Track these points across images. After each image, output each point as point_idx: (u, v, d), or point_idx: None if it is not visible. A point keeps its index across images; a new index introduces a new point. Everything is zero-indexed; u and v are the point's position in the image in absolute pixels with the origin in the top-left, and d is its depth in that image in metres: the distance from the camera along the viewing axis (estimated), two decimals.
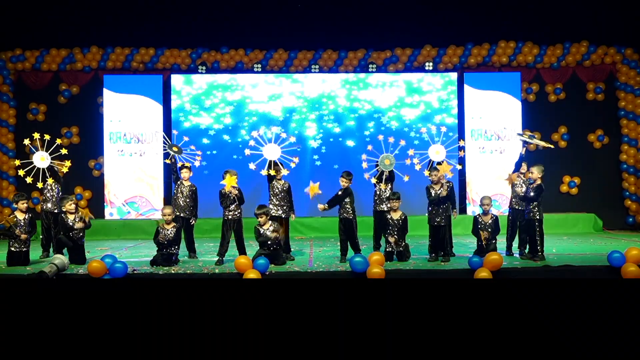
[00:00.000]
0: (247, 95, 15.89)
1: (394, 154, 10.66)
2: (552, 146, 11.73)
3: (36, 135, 11.29)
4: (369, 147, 10.84)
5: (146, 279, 8.51)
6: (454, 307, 4.35)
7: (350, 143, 15.77)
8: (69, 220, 10.10)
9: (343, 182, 10.12)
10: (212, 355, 4.21)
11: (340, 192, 10.08)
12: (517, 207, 10.48)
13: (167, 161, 11.21)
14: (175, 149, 11.12)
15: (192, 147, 11.23)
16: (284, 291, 4.39)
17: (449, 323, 4.32)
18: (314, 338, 4.20)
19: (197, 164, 11.30)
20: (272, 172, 10.48)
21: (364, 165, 10.60)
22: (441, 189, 10.07)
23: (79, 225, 10.07)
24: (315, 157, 15.82)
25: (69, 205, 10.16)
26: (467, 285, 4.58)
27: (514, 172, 10.68)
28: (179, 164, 10.99)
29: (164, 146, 11.17)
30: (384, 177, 10.64)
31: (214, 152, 15.64)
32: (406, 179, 10.64)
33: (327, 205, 10.11)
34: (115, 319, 4.26)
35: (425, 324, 4.30)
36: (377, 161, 10.62)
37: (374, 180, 10.72)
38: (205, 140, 15.54)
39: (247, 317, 4.22)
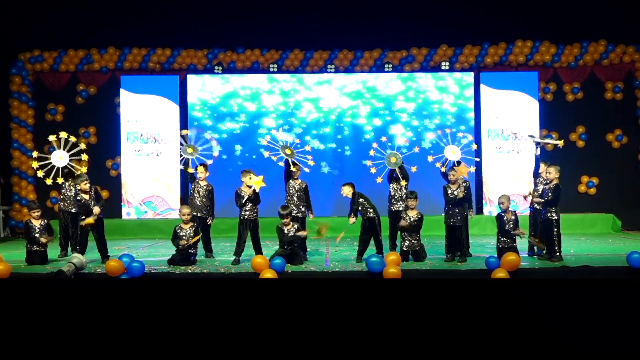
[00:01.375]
0: (262, 108, 15.96)
1: (400, 150, 10.65)
2: (561, 143, 11.50)
3: (64, 134, 11.09)
4: (374, 145, 10.80)
5: (161, 279, 8.54)
6: (454, 307, 4.32)
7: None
8: (83, 199, 10.19)
9: (347, 193, 10.17)
10: (212, 355, 4.22)
11: (351, 201, 10.16)
12: (537, 207, 10.39)
13: (183, 167, 11.18)
14: (190, 150, 11.03)
15: (214, 143, 11.20)
16: (283, 291, 4.39)
17: (450, 324, 4.29)
18: (314, 338, 4.20)
19: (215, 154, 11.25)
20: (294, 169, 10.50)
21: (373, 170, 10.58)
22: (458, 189, 10.02)
23: (96, 210, 10.15)
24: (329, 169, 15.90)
25: (84, 185, 10.20)
26: (465, 285, 4.55)
27: (534, 174, 10.57)
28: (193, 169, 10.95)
29: (180, 149, 11.11)
30: (394, 175, 10.60)
31: (230, 169, 15.61)
32: (414, 170, 10.65)
33: (353, 217, 10.15)
34: (131, 318, 4.28)
35: (426, 324, 4.27)
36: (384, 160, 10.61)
37: (379, 180, 10.67)
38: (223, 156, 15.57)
39: (247, 317, 4.22)
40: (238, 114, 15.90)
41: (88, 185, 10.27)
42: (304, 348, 4.20)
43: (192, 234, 9.81)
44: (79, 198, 10.22)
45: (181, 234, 9.83)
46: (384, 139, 11.66)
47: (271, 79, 15.97)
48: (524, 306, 4.28)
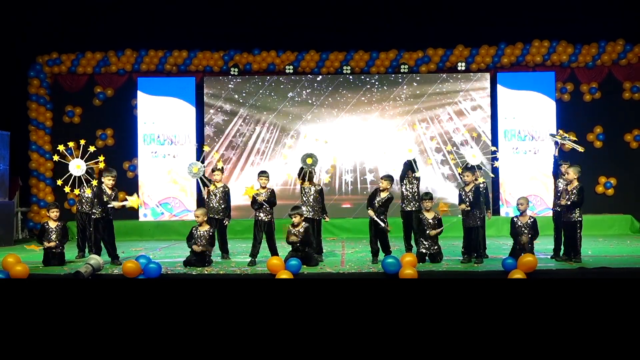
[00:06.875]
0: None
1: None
2: (581, 149, 11.18)
3: (71, 144, 10.76)
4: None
5: (179, 279, 8.57)
6: (455, 307, 4.28)
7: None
8: (106, 193, 10.15)
9: (387, 185, 10.13)
10: (211, 354, 4.22)
11: (388, 196, 10.13)
12: (558, 209, 10.30)
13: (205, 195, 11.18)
14: (195, 170, 10.82)
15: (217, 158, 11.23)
16: (283, 292, 4.37)
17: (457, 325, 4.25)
18: (312, 338, 4.18)
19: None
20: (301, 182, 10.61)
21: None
22: (470, 192, 9.94)
23: (116, 204, 10.12)
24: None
25: (108, 180, 10.18)
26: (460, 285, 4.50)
27: (553, 173, 10.46)
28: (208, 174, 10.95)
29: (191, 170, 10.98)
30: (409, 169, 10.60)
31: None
32: (429, 162, 10.71)
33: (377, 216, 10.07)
34: (148, 319, 4.30)
35: (429, 326, 4.24)
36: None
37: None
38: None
39: (248, 317, 4.22)
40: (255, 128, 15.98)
41: (112, 182, 10.23)
42: (303, 348, 4.19)
43: (207, 236, 9.83)
44: (101, 188, 10.14)
45: (196, 235, 9.87)
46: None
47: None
48: (540, 306, 4.24)
